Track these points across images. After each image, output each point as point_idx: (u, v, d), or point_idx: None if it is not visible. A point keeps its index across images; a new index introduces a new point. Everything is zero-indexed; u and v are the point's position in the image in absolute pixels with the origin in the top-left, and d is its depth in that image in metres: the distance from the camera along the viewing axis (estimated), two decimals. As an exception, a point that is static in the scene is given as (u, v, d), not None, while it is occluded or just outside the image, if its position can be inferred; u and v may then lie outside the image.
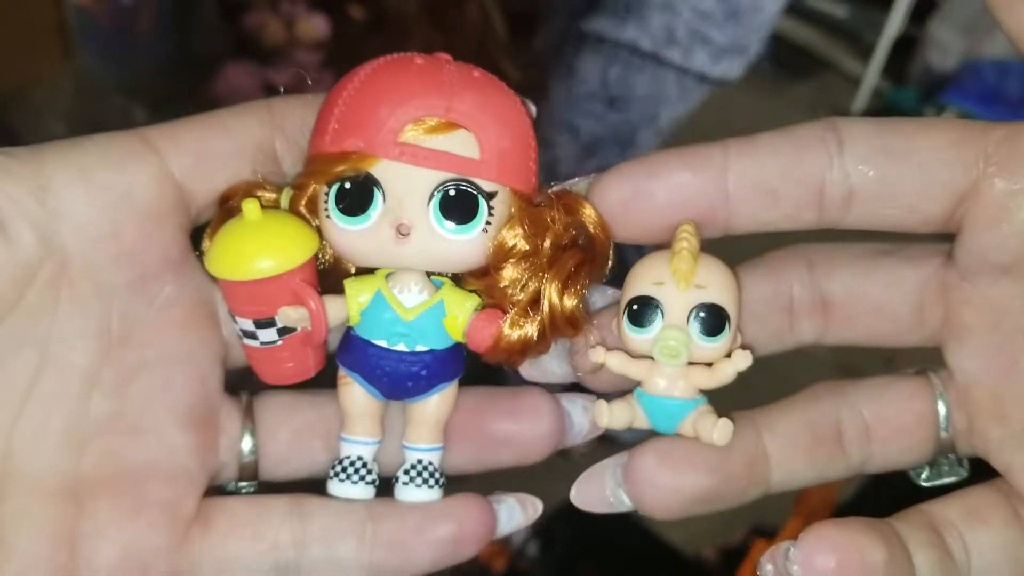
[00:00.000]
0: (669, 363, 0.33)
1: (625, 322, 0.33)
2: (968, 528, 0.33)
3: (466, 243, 0.33)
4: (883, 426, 0.35)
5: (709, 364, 0.34)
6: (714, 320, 0.33)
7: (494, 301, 0.34)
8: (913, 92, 2.62)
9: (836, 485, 1.32)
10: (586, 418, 0.36)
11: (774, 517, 1.48)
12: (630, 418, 0.34)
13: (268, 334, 0.34)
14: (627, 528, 1.43)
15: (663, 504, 0.34)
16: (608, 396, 0.35)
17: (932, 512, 0.33)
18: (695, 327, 0.33)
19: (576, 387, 0.36)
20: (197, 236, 0.35)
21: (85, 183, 0.32)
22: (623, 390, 0.35)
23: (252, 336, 0.34)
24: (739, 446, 0.34)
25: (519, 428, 0.35)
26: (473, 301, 0.34)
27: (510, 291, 0.33)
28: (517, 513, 0.36)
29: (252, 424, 0.35)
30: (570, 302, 0.33)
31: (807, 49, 2.99)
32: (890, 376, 0.36)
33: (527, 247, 0.33)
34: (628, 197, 0.34)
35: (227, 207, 0.34)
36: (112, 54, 1.17)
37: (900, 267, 0.35)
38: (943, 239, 0.35)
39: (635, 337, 0.33)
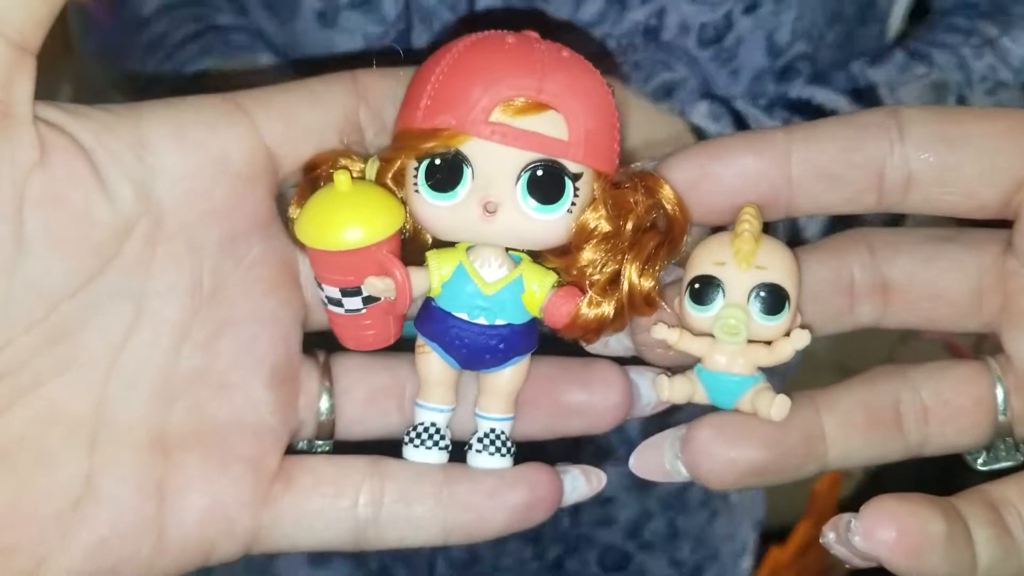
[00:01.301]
0: (729, 341, 0.35)
1: (687, 300, 0.35)
2: None
3: (550, 222, 0.34)
4: (941, 408, 0.37)
5: (768, 343, 0.36)
6: (773, 300, 0.35)
7: (571, 279, 0.35)
8: (914, 90, 2.65)
9: (839, 487, 1.33)
10: (653, 391, 0.37)
11: (774, 517, 1.49)
12: (690, 392, 0.36)
13: (353, 302, 0.35)
14: None
15: (718, 475, 0.36)
16: (668, 370, 0.38)
17: (990, 492, 0.35)
18: (755, 306, 0.35)
19: (637, 361, 0.38)
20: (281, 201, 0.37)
21: (181, 142, 0.33)
22: (683, 365, 0.37)
23: (337, 303, 0.36)
24: (796, 423, 0.36)
25: (591, 398, 0.37)
26: (551, 278, 0.36)
27: (589, 270, 0.35)
28: (581, 483, 0.37)
29: (329, 384, 0.37)
30: (648, 283, 0.35)
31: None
32: (949, 360, 0.38)
33: (609, 229, 0.35)
34: (694, 179, 0.35)
35: (313, 175, 0.36)
36: (112, 54, 1.18)
37: (960, 253, 0.37)
38: (1005, 226, 0.36)
39: (696, 315, 0.35)
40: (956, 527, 0.33)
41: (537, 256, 0.36)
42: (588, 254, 0.35)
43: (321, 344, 0.38)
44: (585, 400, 0.37)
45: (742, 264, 0.35)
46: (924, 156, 0.34)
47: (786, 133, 0.35)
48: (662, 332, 0.36)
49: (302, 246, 0.35)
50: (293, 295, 0.36)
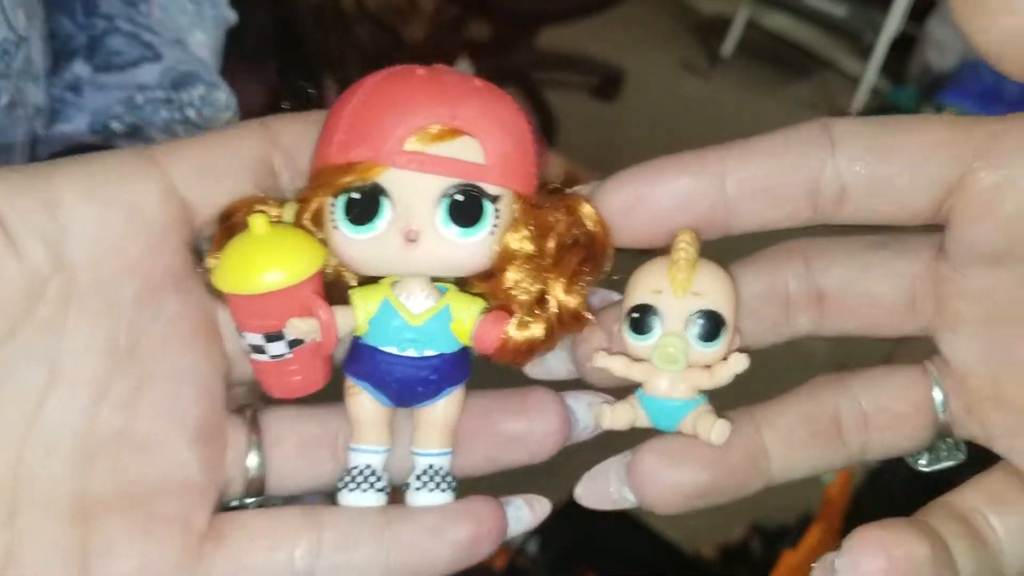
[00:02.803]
0: (668, 368, 0.36)
1: (626, 330, 0.36)
2: (995, 513, 0.35)
3: (473, 246, 0.35)
4: (881, 414, 0.38)
5: (708, 366, 0.37)
6: (711, 326, 0.36)
7: (499, 302, 0.36)
8: (912, 91, 2.66)
9: (849, 488, 1.32)
10: (590, 414, 0.38)
11: (773, 515, 1.49)
12: (632, 418, 0.37)
13: (277, 347, 0.36)
14: (627, 526, 1.46)
15: (664, 499, 0.36)
16: (610, 394, 0.38)
17: (955, 503, 0.35)
18: (693, 332, 0.36)
19: (578, 383, 0.39)
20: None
21: (92, 198, 0.34)
22: (624, 387, 0.38)
23: (261, 350, 0.36)
24: (738, 441, 0.37)
25: (529, 427, 0.37)
26: (479, 304, 0.36)
27: (515, 292, 0.36)
28: (525, 513, 0.38)
29: (258, 438, 0.37)
30: (575, 300, 0.36)
31: (806, 48, 3.02)
32: (886, 367, 0.39)
33: (532, 248, 0.35)
34: (630, 203, 0.36)
35: (229, 223, 0.36)
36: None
37: (894, 260, 0.38)
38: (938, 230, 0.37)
39: (636, 344, 0.36)
40: (938, 546, 0.34)
41: (463, 283, 0.37)
42: (512, 275, 0.36)
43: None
44: (524, 428, 0.37)
45: (678, 292, 0.36)
46: (856, 168, 0.35)
47: (719, 152, 0.36)
48: (603, 360, 0.37)
49: (221, 295, 0.36)
50: (214, 348, 0.37)
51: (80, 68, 0.70)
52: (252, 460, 0.36)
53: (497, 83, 0.36)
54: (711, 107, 2.75)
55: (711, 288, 0.36)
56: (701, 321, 0.35)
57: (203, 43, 0.75)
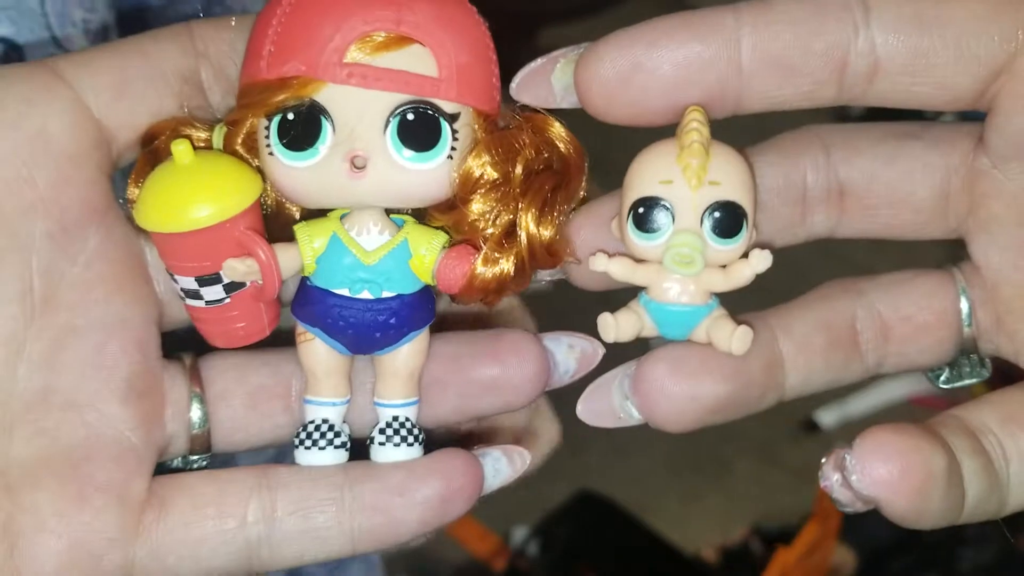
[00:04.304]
0: (683, 272, 0.32)
1: (630, 227, 0.32)
2: (1007, 434, 0.32)
3: (429, 173, 0.31)
4: (902, 325, 0.34)
5: (723, 265, 0.32)
6: (731, 220, 0.31)
7: (463, 236, 0.33)
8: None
9: None
10: (571, 357, 0.35)
11: (775, 518, 1.46)
12: (638, 328, 0.33)
13: (214, 292, 0.32)
14: (627, 527, 1.47)
15: (677, 416, 0.33)
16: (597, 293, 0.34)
17: (968, 418, 0.32)
18: (708, 227, 0.31)
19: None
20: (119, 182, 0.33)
21: None
22: (612, 288, 0.34)
23: (195, 296, 0.32)
24: (756, 350, 0.33)
25: (504, 372, 0.34)
26: (440, 238, 0.33)
27: (481, 224, 0.32)
28: (504, 466, 0.34)
29: (200, 390, 0.33)
30: (548, 231, 0.32)
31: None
32: (909, 271, 0.35)
33: (497, 175, 0.32)
34: (626, 71, 0.31)
35: (152, 148, 0.32)
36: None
37: (925, 152, 0.34)
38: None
39: (642, 244, 0.32)
40: (952, 461, 0.30)
41: (422, 215, 0.33)
42: (477, 206, 0.32)
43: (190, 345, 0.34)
44: (498, 374, 0.34)
45: (692, 181, 0.31)
46: (893, 40, 0.31)
47: (735, 15, 0.31)
48: (602, 264, 0.33)
49: (146, 232, 0.32)
50: (143, 292, 0.33)
51: None
52: (195, 414, 0.33)
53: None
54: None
55: (729, 176, 0.31)
56: (718, 214, 0.31)
57: None
